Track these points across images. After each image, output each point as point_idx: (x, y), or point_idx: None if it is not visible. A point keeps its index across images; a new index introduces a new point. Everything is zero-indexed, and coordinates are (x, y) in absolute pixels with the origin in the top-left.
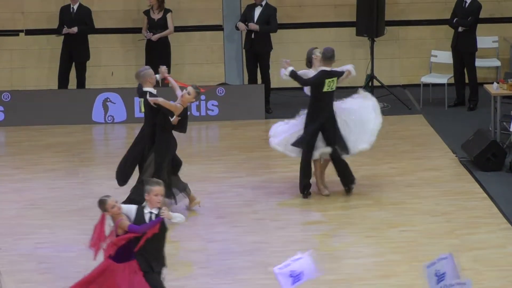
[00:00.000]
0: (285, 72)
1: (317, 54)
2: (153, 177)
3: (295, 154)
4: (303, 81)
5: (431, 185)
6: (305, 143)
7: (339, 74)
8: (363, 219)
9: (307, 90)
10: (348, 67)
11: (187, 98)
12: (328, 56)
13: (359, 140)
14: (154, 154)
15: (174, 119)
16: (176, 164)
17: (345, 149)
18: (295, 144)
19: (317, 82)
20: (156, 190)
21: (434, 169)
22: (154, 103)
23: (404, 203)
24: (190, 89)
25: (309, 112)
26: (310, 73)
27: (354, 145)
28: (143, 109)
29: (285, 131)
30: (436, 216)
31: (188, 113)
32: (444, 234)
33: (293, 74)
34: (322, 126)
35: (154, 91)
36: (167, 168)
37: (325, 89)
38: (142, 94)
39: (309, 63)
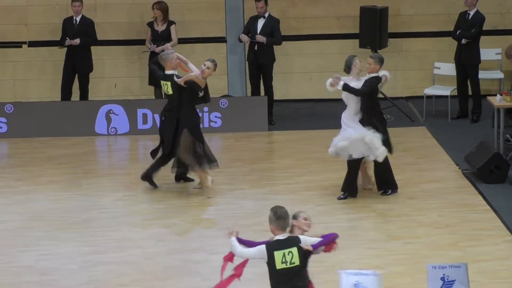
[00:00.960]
0: (338, 87)
1: (357, 61)
2: (192, 148)
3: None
4: (360, 92)
5: (434, 197)
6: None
7: (380, 80)
8: (366, 231)
9: (345, 96)
10: (384, 73)
11: (207, 72)
12: (381, 61)
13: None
14: (186, 129)
15: (201, 93)
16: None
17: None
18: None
19: (373, 87)
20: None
21: (437, 181)
22: (185, 82)
23: (407, 215)
24: (208, 63)
25: (369, 119)
26: (350, 80)
27: None
28: (170, 91)
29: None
30: (440, 228)
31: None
32: (448, 246)
33: (346, 87)
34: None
35: (176, 72)
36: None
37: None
38: (167, 77)
39: (348, 69)
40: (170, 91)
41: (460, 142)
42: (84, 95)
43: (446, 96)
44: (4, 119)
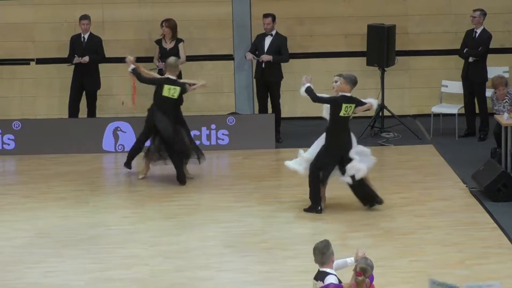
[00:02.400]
0: (302, 87)
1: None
2: (188, 146)
3: (303, 171)
4: (316, 98)
5: (441, 215)
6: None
7: (358, 102)
8: (373, 249)
9: (325, 113)
10: (371, 100)
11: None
12: (352, 82)
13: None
14: (183, 126)
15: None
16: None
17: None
18: (311, 167)
19: (334, 102)
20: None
21: (445, 199)
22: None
23: (414, 233)
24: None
25: (327, 136)
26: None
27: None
28: (176, 95)
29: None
30: (447, 246)
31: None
32: (455, 264)
33: (308, 90)
34: (339, 153)
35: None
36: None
37: (342, 113)
38: (177, 82)
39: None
40: (176, 96)
41: (468, 160)
42: (91, 112)
43: (454, 114)
44: (12, 136)
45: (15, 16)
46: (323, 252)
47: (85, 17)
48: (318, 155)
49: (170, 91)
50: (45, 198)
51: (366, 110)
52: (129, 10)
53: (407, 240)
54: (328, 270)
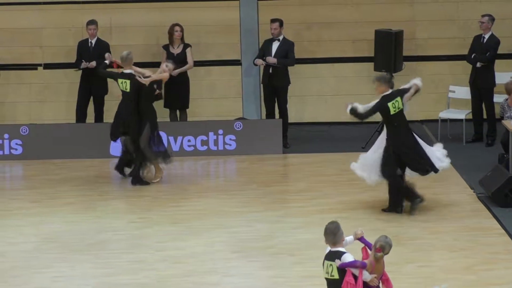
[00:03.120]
0: (346, 109)
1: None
2: (149, 142)
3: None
4: (363, 116)
5: (449, 221)
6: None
7: (401, 92)
8: None
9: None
10: (414, 81)
11: (169, 69)
12: (386, 81)
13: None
14: (148, 124)
15: (157, 91)
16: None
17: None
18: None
19: (380, 108)
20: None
21: (452, 205)
22: (151, 81)
23: (422, 238)
24: (168, 64)
25: (387, 138)
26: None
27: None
28: (128, 89)
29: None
30: (454, 252)
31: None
32: (462, 270)
33: (352, 111)
34: (402, 150)
35: (133, 72)
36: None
37: (392, 111)
38: (126, 75)
39: None
40: (129, 89)
41: (475, 165)
42: (99, 117)
43: (461, 120)
44: (19, 141)
45: (23, 21)
46: (334, 233)
47: (92, 22)
48: (385, 160)
49: (123, 85)
50: (52, 203)
51: (416, 93)
52: (137, 15)
53: (415, 245)
54: (341, 249)
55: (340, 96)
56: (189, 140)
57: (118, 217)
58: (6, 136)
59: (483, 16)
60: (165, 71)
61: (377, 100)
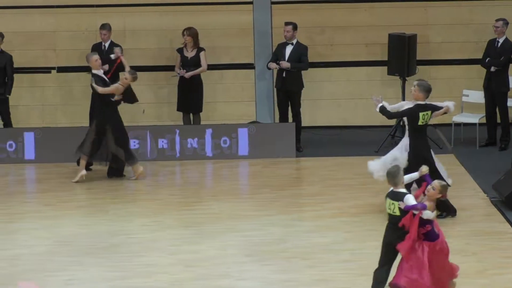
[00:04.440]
0: (376, 108)
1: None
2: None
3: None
4: (391, 116)
5: (461, 225)
6: None
7: (433, 108)
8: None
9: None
10: (448, 104)
11: (125, 82)
12: (425, 90)
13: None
14: (110, 127)
15: (116, 97)
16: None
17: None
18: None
19: (410, 114)
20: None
21: (465, 209)
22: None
23: None
24: (127, 74)
25: (410, 146)
26: (407, 104)
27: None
28: (93, 84)
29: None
30: (467, 256)
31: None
32: (475, 274)
33: (381, 109)
34: (420, 160)
35: (100, 72)
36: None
37: (420, 122)
38: (92, 75)
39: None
40: (93, 85)
41: (488, 169)
42: None
43: (475, 124)
44: (33, 144)
45: (36, 24)
46: (394, 176)
47: (103, 27)
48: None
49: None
50: (65, 206)
51: (444, 114)
52: (151, 18)
53: None
54: (402, 190)
55: (353, 100)
56: (202, 144)
57: (131, 220)
58: (19, 139)
59: (497, 20)
60: (122, 83)
61: (409, 105)
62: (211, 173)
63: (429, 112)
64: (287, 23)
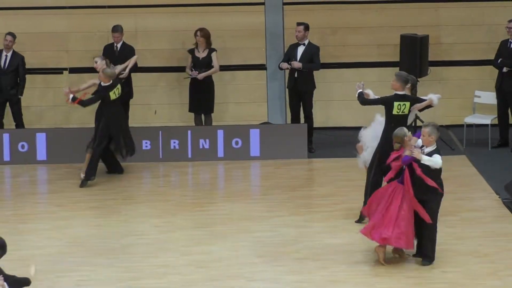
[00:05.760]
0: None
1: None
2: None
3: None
4: (364, 102)
5: (473, 226)
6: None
7: (414, 100)
8: (405, 260)
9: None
10: (431, 96)
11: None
12: (402, 80)
13: None
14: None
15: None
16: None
17: None
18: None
19: (384, 102)
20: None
21: (477, 210)
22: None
23: (446, 243)
24: (96, 81)
25: (382, 135)
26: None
27: None
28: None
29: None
30: (479, 257)
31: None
32: (487, 275)
33: (358, 95)
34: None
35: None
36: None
37: (395, 111)
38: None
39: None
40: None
41: (500, 171)
42: None
43: (487, 125)
44: (44, 145)
45: (49, 25)
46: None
47: (115, 29)
48: (379, 156)
49: (116, 92)
50: (77, 207)
51: (427, 107)
52: (162, 19)
53: (439, 250)
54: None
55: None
56: (214, 145)
57: (143, 221)
58: (31, 140)
59: (509, 21)
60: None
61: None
62: (223, 174)
63: (407, 103)
64: (298, 24)
